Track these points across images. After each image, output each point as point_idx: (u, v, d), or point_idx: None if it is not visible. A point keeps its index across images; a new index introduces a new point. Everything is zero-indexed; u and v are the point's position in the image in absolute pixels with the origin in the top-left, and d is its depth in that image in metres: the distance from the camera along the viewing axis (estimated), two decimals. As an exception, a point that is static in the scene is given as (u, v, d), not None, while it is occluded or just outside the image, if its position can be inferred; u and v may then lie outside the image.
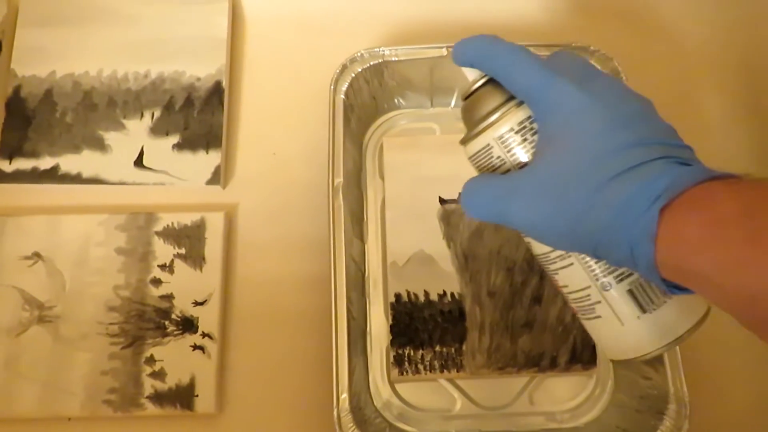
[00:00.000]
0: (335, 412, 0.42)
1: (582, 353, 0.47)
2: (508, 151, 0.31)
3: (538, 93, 0.30)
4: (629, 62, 0.52)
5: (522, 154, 0.31)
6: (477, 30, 0.57)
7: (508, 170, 0.32)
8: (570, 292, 0.33)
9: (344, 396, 0.42)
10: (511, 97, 0.32)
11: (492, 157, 0.32)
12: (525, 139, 0.31)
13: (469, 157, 0.34)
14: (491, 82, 0.33)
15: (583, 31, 0.59)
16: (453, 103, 0.56)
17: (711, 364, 0.48)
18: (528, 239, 0.34)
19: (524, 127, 0.31)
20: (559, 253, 0.32)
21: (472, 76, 0.34)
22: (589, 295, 0.32)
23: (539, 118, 0.31)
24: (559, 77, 0.30)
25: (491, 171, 0.33)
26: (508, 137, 0.31)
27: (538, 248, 0.33)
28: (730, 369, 0.49)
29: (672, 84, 0.58)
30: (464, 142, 0.34)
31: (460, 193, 0.33)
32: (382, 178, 0.52)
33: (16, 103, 0.53)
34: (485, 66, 0.32)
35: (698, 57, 0.59)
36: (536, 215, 0.30)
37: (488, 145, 0.32)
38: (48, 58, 0.54)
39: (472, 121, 0.33)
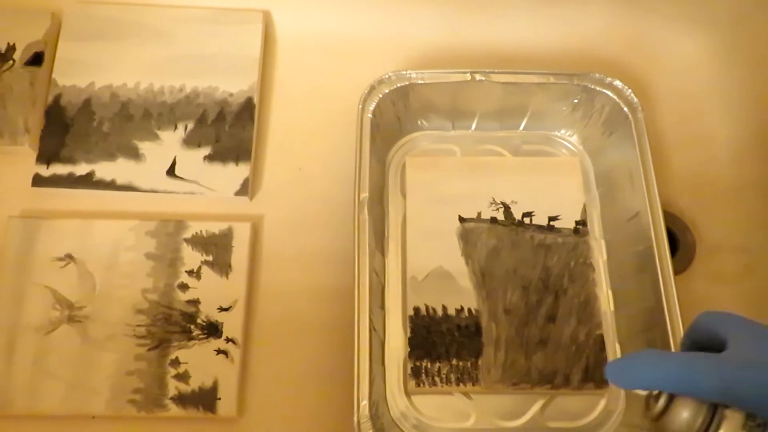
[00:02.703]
0: (355, 418, 0.43)
1: (595, 372, 0.48)
2: None
3: (750, 399, 0.27)
4: (646, 95, 0.54)
5: None
6: (499, 56, 0.61)
7: None
8: None
9: (365, 403, 0.44)
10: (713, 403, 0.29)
11: None
12: None
13: None
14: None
15: (604, 62, 0.61)
16: (474, 126, 0.58)
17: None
18: None
19: (749, 427, 0.28)
20: None
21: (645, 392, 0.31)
22: None
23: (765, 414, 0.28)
24: (756, 369, 0.28)
25: None
26: None
27: None
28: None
29: (686, 118, 0.60)
30: None
31: None
32: (403, 195, 0.54)
33: (55, 111, 0.55)
34: (668, 389, 0.30)
35: (711, 92, 0.61)
36: None
37: None
38: (88, 69, 0.57)
39: None
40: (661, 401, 0.30)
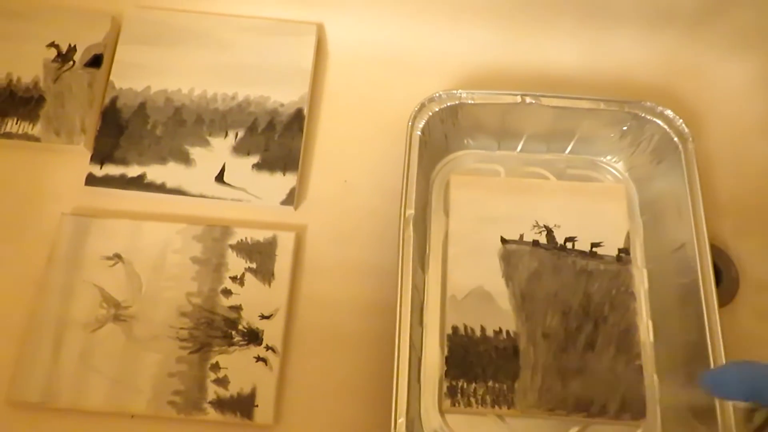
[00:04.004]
0: (392, 435, 0.43)
1: (632, 404, 0.48)
2: None
3: None
4: (696, 124, 0.54)
5: None
6: (549, 79, 0.61)
7: None
8: None
9: (401, 420, 0.44)
10: None
11: None
12: None
13: None
14: None
15: (654, 90, 0.61)
16: (519, 147, 0.58)
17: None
18: None
19: None
20: None
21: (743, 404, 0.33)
22: None
23: None
24: None
25: None
26: None
27: None
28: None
29: (736, 148, 0.59)
30: None
31: None
32: (446, 213, 0.55)
33: (111, 112, 0.57)
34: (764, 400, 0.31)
35: (763, 123, 0.61)
36: None
37: None
38: (144, 73, 0.58)
39: None
40: (758, 417, 0.31)
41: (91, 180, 0.55)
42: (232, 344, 0.50)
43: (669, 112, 0.53)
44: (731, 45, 0.62)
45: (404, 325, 0.46)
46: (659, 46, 0.62)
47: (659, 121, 0.53)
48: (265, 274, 0.52)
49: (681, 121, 0.53)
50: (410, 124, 0.52)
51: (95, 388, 0.48)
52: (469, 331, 0.50)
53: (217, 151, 0.56)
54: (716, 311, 0.47)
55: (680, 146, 0.52)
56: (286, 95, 0.57)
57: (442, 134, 0.55)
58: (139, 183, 0.55)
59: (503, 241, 0.53)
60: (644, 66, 0.62)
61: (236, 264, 0.52)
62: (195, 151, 0.56)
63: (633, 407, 0.48)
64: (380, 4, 0.61)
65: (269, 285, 0.52)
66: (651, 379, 0.50)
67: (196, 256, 0.52)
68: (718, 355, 0.45)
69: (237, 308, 0.51)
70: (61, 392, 0.48)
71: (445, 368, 0.49)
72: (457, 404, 0.48)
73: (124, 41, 0.59)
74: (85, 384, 0.48)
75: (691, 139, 0.52)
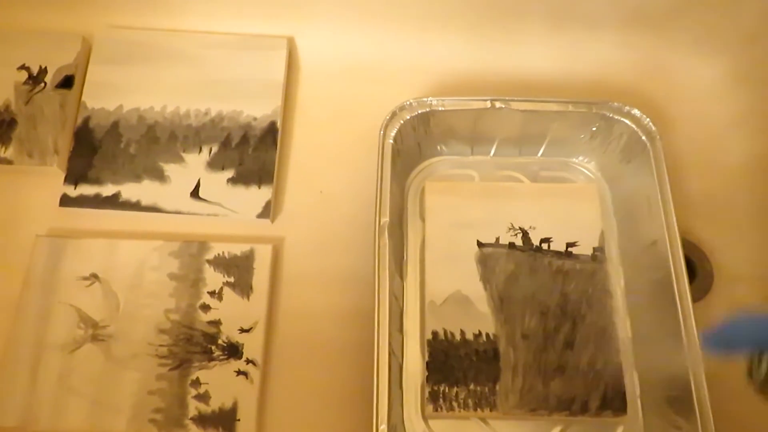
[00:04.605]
0: (374, 442, 0.43)
1: (613, 400, 0.48)
2: None
3: None
4: (663, 121, 0.55)
5: None
6: (519, 83, 0.62)
7: None
8: None
9: (383, 427, 0.44)
10: None
11: None
12: None
13: None
14: None
15: (622, 90, 0.62)
16: (492, 152, 0.58)
17: (743, 416, 0.49)
18: None
19: None
20: None
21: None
22: None
23: None
24: None
25: None
26: None
27: None
28: (763, 421, 0.50)
29: (704, 144, 0.61)
30: None
31: None
32: (422, 219, 0.55)
33: (84, 132, 0.57)
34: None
35: (728, 117, 0.62)
36: None
37: None
38: (117, 92, 0.58)
39: None
40: (765, 364, 0.32)
41: (66, 200, 0.55)
42: (212, 359, 0.50)
43: (636, 112, 0.54)
44: (700, 46, 0.63)
45: (383, 332, 0.46)
46: (630, 48, 0.63)
47: (627, 121, 0.54)
48: (244, 287, 0.52)
49: (648, 119, 0.54)
50: (382, 132, 0.53)
51: (74, 410, 0.48)
52: (449, 335, 0.50)
53: (192, 166, 0.56)
54: (690, 305, 0.47)
55: (648, 144, 0.53)
56: (258, 109, 0.58)
57: (414, 142, 0.56)
58: (114, 202, 0.55)
59: (479, 244, 0.53)
60: (615, 68, 0.63)
61: (214, 279, 0.52)
62: (169, 168, 0.56)
63: (614, 403, 0.48)
64: (350, 16, 0.61)
65: (248, 298, 0.52)
66: (630, 375, 0.51)
67: (174, 273, 0.52)
68: (693, 349, 0.46)
69: (216, 323, 0.51)
70: (39, 415, 0.48)
71: (427, 373, 0.49)
72: (439, 409, 0.48)
73: (96, 61, 0.59)
74: (64, 406, 0.48)
75: (658, 137, 0.53)
